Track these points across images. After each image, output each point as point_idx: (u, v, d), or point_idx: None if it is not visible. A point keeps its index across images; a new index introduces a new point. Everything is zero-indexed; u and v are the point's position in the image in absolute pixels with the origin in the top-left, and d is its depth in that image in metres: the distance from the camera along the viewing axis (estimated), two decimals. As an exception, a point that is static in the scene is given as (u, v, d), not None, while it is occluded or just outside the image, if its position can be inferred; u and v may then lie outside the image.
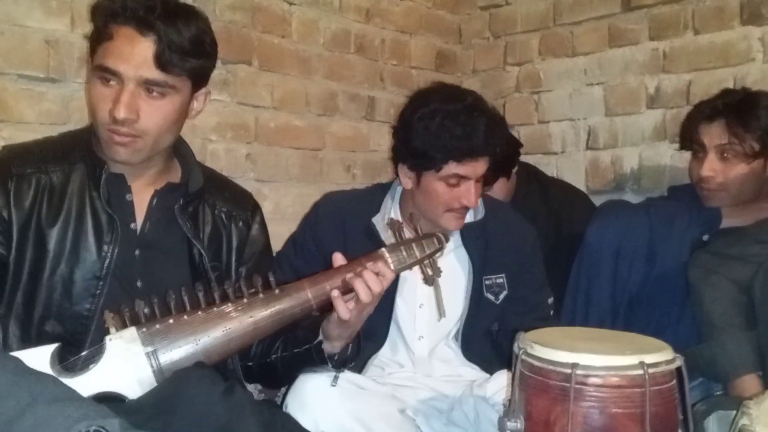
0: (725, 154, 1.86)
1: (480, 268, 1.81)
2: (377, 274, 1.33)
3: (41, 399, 0.95)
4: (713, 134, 1.88)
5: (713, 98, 1.95)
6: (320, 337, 1.42)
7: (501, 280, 1.83)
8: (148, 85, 1.32)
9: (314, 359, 1.43)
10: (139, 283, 1.40)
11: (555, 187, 2.52)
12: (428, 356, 1.80)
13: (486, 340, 1.83)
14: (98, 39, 1.34)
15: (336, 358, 1.44)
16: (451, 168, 1.68)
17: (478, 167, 1.70)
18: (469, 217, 1.86)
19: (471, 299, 1.80)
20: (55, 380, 1.05)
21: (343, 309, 1.32)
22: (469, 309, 1.79)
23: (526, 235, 1.91)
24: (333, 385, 1.48)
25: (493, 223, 1.86)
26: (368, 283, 1.31)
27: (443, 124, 1.66)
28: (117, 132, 1.32)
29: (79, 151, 1.41)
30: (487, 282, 1.82)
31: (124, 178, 1.42)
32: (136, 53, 1.30)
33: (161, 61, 1.31)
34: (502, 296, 1.83)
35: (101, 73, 1.31)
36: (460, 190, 1.71)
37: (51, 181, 1.37)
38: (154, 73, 1.31)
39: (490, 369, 1.75)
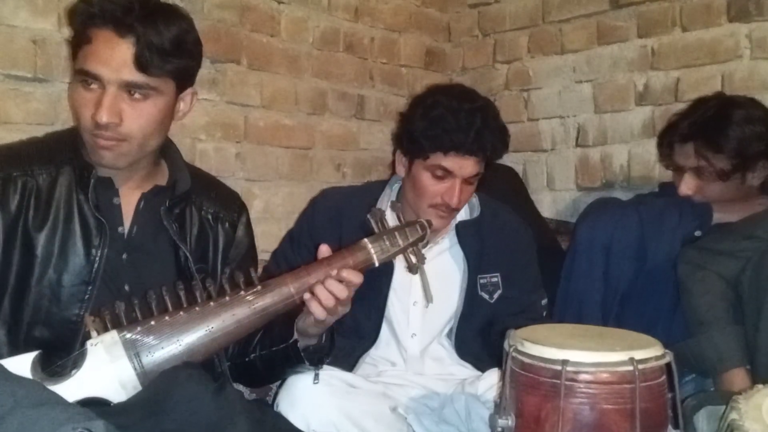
0: (701, 172, 1.88)
1: (475, 266, 1.81)
2: (342, 281, 1.31)
3: (25, 403, 0.94)
4: (686, 156, 1.90)
5: (685, 113, 1.96)
6: (295, 336, 1.41)
7: (495, 279, 1.83)
8: (129, 88, 1.30)
9: (291, 357, 1.43)
10: (126, 287, 1.38)
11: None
12: (420, 354, 1.80)
13: (479, 338, 1.83)
14: (78, 43, 1.32)
15: (311, 350, 1.43)
16: (438, 159, 1.70)
17: (465, 166, 1.71)
18: (465, 215, 1.86)
19: (465, 297, 1.80)
20: (38, 384, 1.04)
21: (319, 310, 1.31)
22: (464, 307, 1.80)
23: (521, 235, 1.92)
24: (315, 383, 1.47)
25: (489, 222, 1.86)
26: (333, 291, 1.30)
27: (441, 115, 1.69)
28: (101, 136, 1.31)
29: (66, 154, 1.39)
30: (481, 281, 1.82)
31: (111, 182, 1.40)
32: (115, 56, 1.28)
33: (141, 63, 1.29)
34: (496, 295, 1.83)
35: (82, 77, 1.30)
36: (445, 185, 1.72)
37: (37, 185, 1.35)
38: (134, 76, 1.29)
39: (482, 367, 1.75)
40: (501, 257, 1.84)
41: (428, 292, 1.55)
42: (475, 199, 1.87)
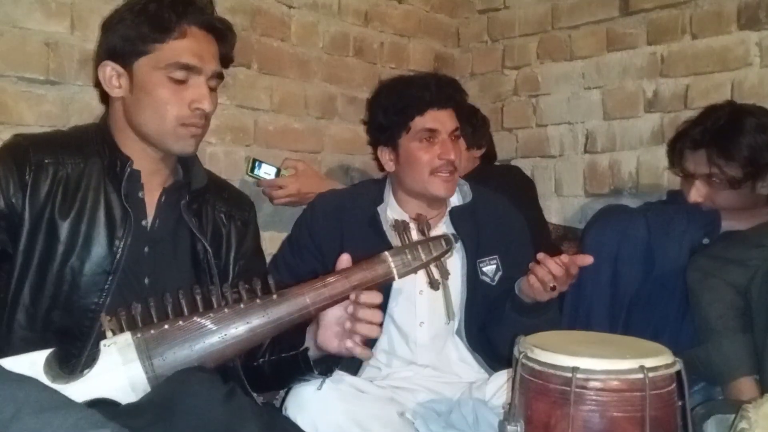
0: (712, 179, 1.89)
1: (473, 251, 1.81)
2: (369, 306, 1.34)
3: (26, 409, 0.91)
4: (697, 163, 1.91)
5: (697, 121, 1.95)
6: (306, 344, 1.41)
7: (495, 262, 1.83)
8: (212, 79, 1.42)
9: (301, 366, 1.42)
10: (146, 280, 1.41)
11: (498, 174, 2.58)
12: (431, 342, 1.79)
13: (486, 326, 1.81)
14: (158, 38, 1.37)
15: (322, 359, 1.42)
16: (419, 123, 1.78)
17: (445, 120, 1.80)
18: (457, 200, 1.88)
19: (468, 284, 1.80)
20: (38, 384, 1.02)
21: (362, 352, 1.36)
22: (468, 294, 1.79)
23: (515, 218, 1.94)
24: (318, 389, 1.47)
25: (482, 206, 1.88)
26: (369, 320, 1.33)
27: (403, 89, 1.84)
28: (195, 124, 1.41)
29: (94, 146, 1.43)
30: (481, 265, 1.82)
31: (139, 175, 1.44)
32: (207, 49, 1.40)
33: (223, 56, 1.45)
34: (497, 277, 1.83)
35: (177, 70, 1.37)
36: (436, 146, 1.78)
37: (67, 174, 1.38)
38: (219, 67, 1.43)
39: (492, 360, 1.75)
40: (498, 240, 1.85)
41: (450, 309, 1.54)
42: (466, 186, 1.90)
